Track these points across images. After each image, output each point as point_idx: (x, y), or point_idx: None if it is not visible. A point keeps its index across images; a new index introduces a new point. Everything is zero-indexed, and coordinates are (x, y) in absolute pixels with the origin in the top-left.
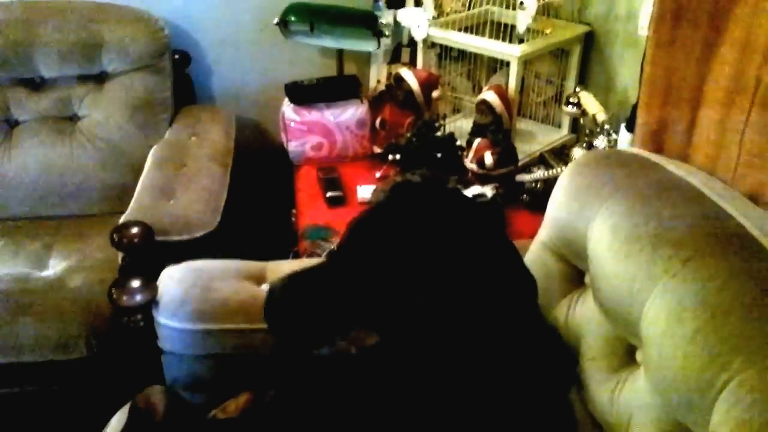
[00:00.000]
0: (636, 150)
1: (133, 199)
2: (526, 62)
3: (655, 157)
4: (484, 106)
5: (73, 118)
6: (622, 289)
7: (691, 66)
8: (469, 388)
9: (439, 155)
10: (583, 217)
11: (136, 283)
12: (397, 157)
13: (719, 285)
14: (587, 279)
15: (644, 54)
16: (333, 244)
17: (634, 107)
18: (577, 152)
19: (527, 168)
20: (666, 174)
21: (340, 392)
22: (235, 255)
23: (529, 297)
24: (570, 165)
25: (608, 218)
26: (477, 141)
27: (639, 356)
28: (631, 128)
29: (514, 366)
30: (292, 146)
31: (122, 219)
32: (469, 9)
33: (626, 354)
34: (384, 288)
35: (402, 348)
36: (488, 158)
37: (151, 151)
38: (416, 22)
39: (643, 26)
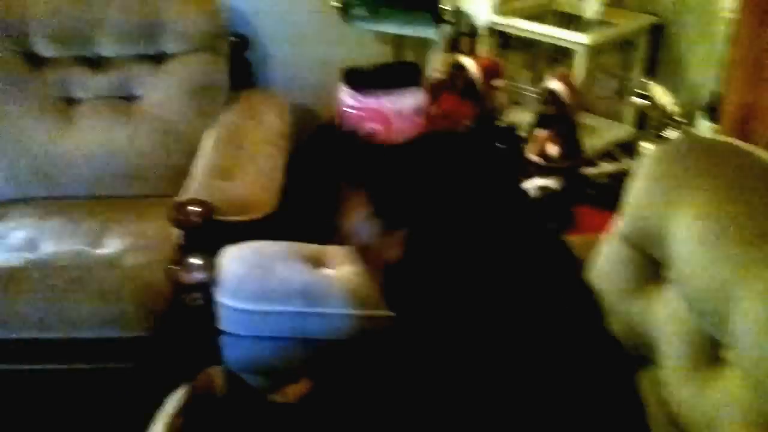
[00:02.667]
0: (723, 137)
1: (191, 179)
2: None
3: (744, 145)
4: (549, 96)
5: (131, 98)
6: (710, 281)
7: None
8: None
9: (501, 146)
10: (667, 206)
11: (195, 261)
12: None
13: None
14: (667, 271)
15: (728, 39)
16: None
17: (714, 96)
18: (646, 146)
19: (592, 162)
20: (758, 161)
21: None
22: (291, 238)
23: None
24: (653, 151)
25: (695, 207)
26: (540, 132)
27: (730, 354)
28: (712, 117)
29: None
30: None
31: (181, 195)
32: None
33: (713, 351)
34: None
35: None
36: (552, 150)
37: (208, 133)
38: (479, 8)
39: (728, 8)
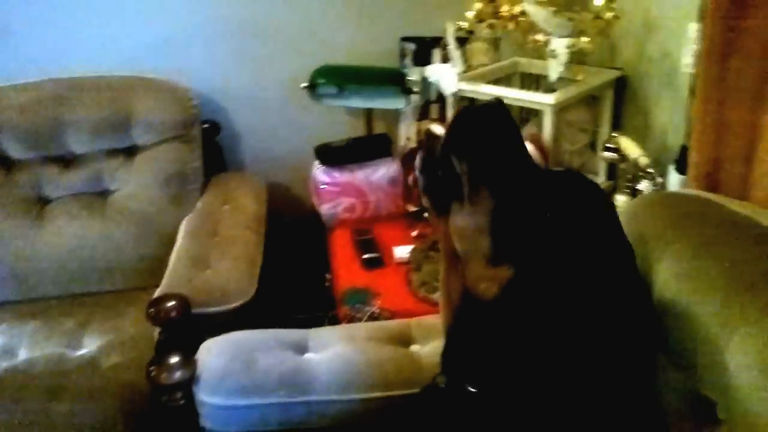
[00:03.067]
0: (693, 190)
1: (168, 271)
2: (558, 112)
3: (715, 197)
4: None
5: (105, 193)
6: (695, 338)
7: (744, 101)
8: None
9: None
10: (646, 264)
11: (174, 360)
12: None
13: None
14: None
15: (690, 92)
16: (373, 307)
17: (683, 148)
18: (620, 199)
19: None
20: (730, 214)
21: None
22: (272, 323)
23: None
24: (626, 209)
25: (674, 264)
26: None
27: (720, 413)
28: (681, 170)
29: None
30: (325, 209)
31: (157, 292)
32: (496, 62)
33: (706, 410)
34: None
35: None
36: None
37: (184, 222)
38: (445, 77)
39: (688, 63)
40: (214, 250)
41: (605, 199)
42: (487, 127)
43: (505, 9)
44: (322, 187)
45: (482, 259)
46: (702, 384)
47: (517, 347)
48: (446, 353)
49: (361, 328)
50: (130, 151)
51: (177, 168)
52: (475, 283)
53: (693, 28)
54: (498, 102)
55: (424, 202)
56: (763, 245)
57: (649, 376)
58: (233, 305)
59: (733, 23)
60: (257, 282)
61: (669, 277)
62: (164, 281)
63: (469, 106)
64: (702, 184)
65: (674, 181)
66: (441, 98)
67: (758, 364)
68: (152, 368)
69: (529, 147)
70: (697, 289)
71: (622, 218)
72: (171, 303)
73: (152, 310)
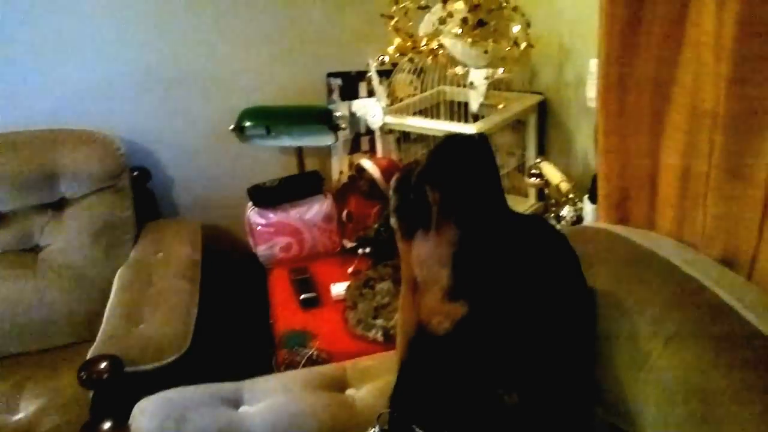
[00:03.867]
0: (602, 224)
1: (101, 328)
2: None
3: (621, 230)
4: None
5: (35, 249)
6: (608, 374)
7: (644, 134)
8: None
9: None
10: None
11: (106, 426)
12: (367, 250)
13: (705, 367)
14: None
15: (596, 125)
16: (311, 350)
17: (595, 178)
18: None
19: None
20: (634, 248)
21: None
22: (214, 373)
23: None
24: None
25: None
26: None
27: None
28: (594, 199)
29: None
30: (261, 250)
31: (90, 352)
32: (422, 92)
33: None
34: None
35: None
36: None
37: (118, 274)
38: (371, 111)
39: (591, 97)
40: (147, 303)
41: (568, 248)
42: (465, 160)
43: (423, 43)
44: (257, 228)
45: (439, 291)
46: (618, 418)
47: (464, 387)
48: (396, 388)
49: (297, 375)
50: (59, 205)
51: (108, 219)
52: (428, 316)
53: (593, 64)
54: (481, 137)
55: (393, 222)
56: (665, 278)
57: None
58: (167, 361)
59: (626, 61)
60: (192, 334)
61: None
62: (97, 340)
63: (453, 135)
64: (612, 214)
65: (589, 209)
66: (371, 130)
67: (658, 399)
68: None
69: None
70: (608, 328)
71: None
72: (102, 365)
73: (83, 373)
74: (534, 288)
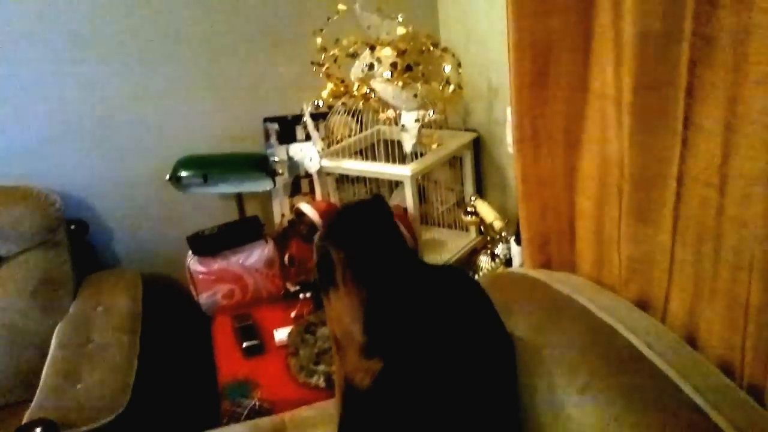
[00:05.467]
0: (523, 270)
1: (39, 389)
2: (425, 175)
3: (542, 276)
4: None
5: None
6: (531, 422)
7: (559, 181)
8: None
9: None
10: None
11: None
12: (308, 294)
13: (617, 414)
14: None
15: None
16: (254, 400)
17: (518, 222)
18: (483, 260)
19: None
20: (554, 294)
21: None
22: (160, 428)
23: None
24: None
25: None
26: None
27: None
28: (519, 241)
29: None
30: (203, 298)
31: (26, 416)
32: (360, 131)
33: None
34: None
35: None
36: None
37: (56, 330)
38: (308, 155)
39: (510, 143)
40: (86, 360)
41: (482, 296)
42: (364, 221)
43: (355, 88)
44: (198, 276)
45: (356, 348)
46: None
47: None
48: None
49: (235, 431)
50: None
51: (44, 275)
52: (351, 373)
53: (509, 112)
54: (376, 199)
55: (317, 276)
56: (580, 326)
57: None
58: (105, 421)
59: (538, 113)
60: (131, 391)
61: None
62: (34, 401)
63: (349, 203)
64: (535, 256)
65: (515, 251)
66: (309, 174)
67: None
68: None
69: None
70: (530, 373)
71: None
72: (37, 430)
73: None
74: (449, 338)
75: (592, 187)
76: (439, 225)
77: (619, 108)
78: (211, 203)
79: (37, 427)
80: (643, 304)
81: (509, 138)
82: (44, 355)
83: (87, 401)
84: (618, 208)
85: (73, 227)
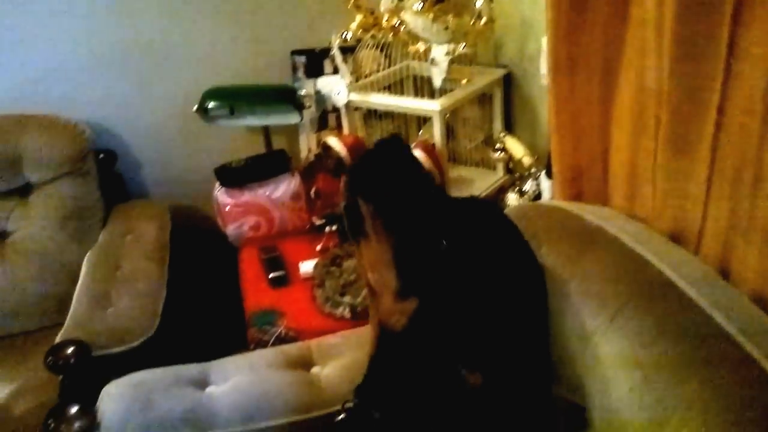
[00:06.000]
0: (554, 202)
1: (70, 313)
2: (452, 111)
3: (573, 207)
4: None
5: (2, 235)
6: (562, 348)
7: (594, 112)
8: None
9: None
10: None
11: (73, 410)
12: (334, 227)
13: (647, 342)
14: None
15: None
16: (280, 328)
17: (550, 154)
18: (511, 197)
19: None
20: (585, 225)
21: None
22: (185, 353)
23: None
24: None
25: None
26: None
27: (590, 417)
28: (550, 175)
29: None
30: (230, 229)
31: (58, 337)
32: (389, 67)
33: (576, 416)
34: None
35: None
36: None
37: (86, 257)
38: (336, 89)
39: (544, 74)
40: (115, 286)
41: (510, 227)
42: (384, 166)
43: (385, 20)
44: (225, 208)
45: (390, 293)
46: (573, 393)
47: (427, 373)
48: (364, 380)
49: (263, 355)
50: (24, 191)
51: (75, 203)
52: (386, 317)
53: (545, 41)
54: (394, 138)
55: (345, 226)
56: (612, 255)
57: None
58: (135, 344)
59: (574, 40)
60: (160, 317)
61: None
62: (65, 324)
63: (368, 149)
64: (566, 190)
65: (546, 185)
66: (338, 107)
67: (604, 374)
68: (50, 421)
69: (420, 155)
70: (558, 302)
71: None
72: (69, 350)
73: (50, 358)
74: (480, 270)
75: (628, 118)
76: (466, 164)
77: (660, 34)
78: (238, 136)
79: (70, 347)
80: (675, 238)
81: (544, 68)
82: (74, 281)
83: (117, 325)
84: (654, 140)
85: (101, 157)
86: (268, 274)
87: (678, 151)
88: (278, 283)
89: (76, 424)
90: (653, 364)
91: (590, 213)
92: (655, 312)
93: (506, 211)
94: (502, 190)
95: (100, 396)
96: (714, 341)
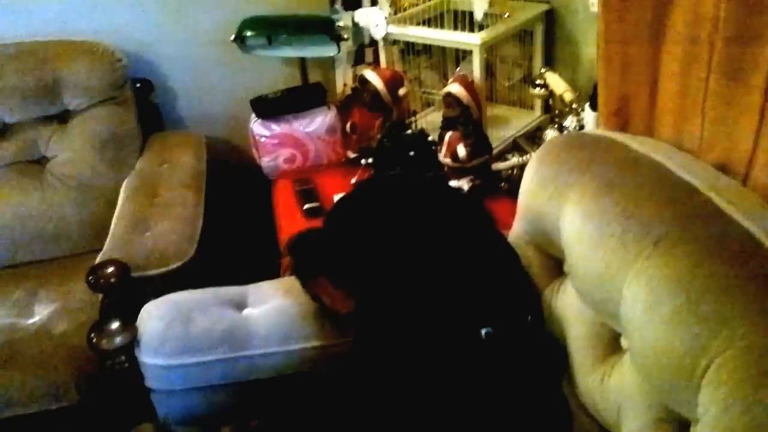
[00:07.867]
0: (600, 131)
1: (109, 236)
2: (491, 48)
3: (618, 136)
4: (451, 99)
5: (41, 161)
6: (598, 274)
7: (644, 39)
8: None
9: (412, 153)
10: (553, 205)
11: (114, 325)
12: (370, 160)
13: (692, 265)
14: (566, 267)
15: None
16: None
17: (596, 86)
18: (550, 134)
19: (502, 156)
20: (631, 153)
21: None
22: (220, 280)
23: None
24: (536, 153)
25: (577, 204)
26: (448, 135)
27: (624, 342)
28: (595, 107)
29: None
30: (265, 161)
31: (98, 258)
32: (428, 0)
33: (612, 341)
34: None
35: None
36: (461, 151)
37: (124, 184)
38: (374, 21)
39: (594, 2)
40: (153, 212)
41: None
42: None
43: None
44: (260, 140)
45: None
46: (606, 317)
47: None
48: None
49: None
50: (63, 117)
51: (112, 131)
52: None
53: None
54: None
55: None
56: (658, 182)
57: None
58: (173, 267)
59: None
60: (197, 242)
61: (574, 216)
62: (105, 247)
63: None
64: (611, 121)
65: (589, 118)
66: (375, 42)
67: (645, 298)
68: (93, 335)
69: (459, 90)
70: (597, 228)
71: (536, 160)
72: (110, 269)
73: (92, 277)
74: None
75: (680, 46)
76: (503, 103)
77: None
78: (274, 67)
79: (110, 266)
80: (723, 168)
81: None
82: (112, 207)
83: (155, 248)
84: (707, 68)
85: (138, 86)
86: (303, 206)
87: (732, 79)
88: (313, 214)
89: (118, 339)
90: (699, 288)
91: (636, 142)
92: (701, 237)
93: (548, 141)
94: (539, 129)
95: (140, 313)
96: (763, 262)
